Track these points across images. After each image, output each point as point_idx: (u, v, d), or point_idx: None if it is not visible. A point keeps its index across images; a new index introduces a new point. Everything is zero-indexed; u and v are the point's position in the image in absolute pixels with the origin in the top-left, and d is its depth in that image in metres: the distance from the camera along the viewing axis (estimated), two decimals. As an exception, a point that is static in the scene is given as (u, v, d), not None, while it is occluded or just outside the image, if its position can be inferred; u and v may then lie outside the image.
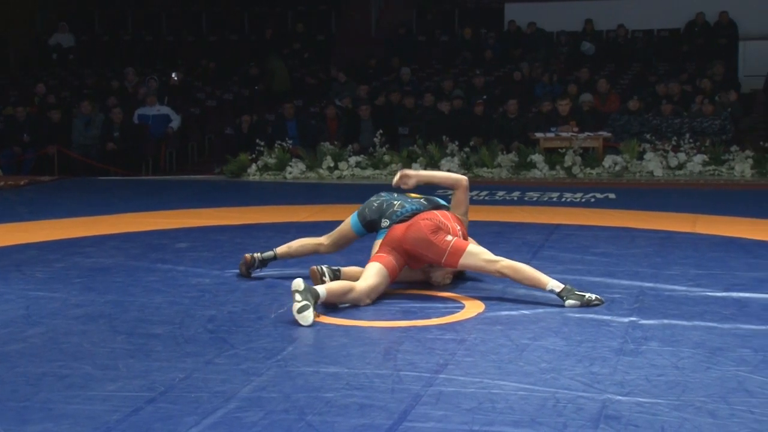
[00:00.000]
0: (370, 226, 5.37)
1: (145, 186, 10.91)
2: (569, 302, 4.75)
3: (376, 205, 5.38)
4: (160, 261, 6.04)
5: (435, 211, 5.17)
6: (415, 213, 5.21)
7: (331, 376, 3.68)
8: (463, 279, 5.38)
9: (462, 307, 4.80)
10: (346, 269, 5.23)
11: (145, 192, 10.15)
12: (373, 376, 3.67)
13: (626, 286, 5.17)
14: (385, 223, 5.27)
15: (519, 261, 5.06)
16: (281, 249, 5.54)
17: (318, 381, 3.62)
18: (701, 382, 3.58)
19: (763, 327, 4.35)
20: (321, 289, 4.61)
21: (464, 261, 4.96)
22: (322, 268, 5.11)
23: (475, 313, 4.68)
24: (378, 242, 5.22)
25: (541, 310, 4.70)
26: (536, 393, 3.47)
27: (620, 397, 3.41)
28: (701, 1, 15.54)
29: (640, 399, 3.40)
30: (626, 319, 4.50)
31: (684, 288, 5.15)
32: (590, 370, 3.73)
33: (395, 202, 5.33)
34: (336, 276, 5.11)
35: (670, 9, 15.86)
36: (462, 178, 5.44)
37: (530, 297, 4.96)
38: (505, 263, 4.92)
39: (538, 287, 4.86)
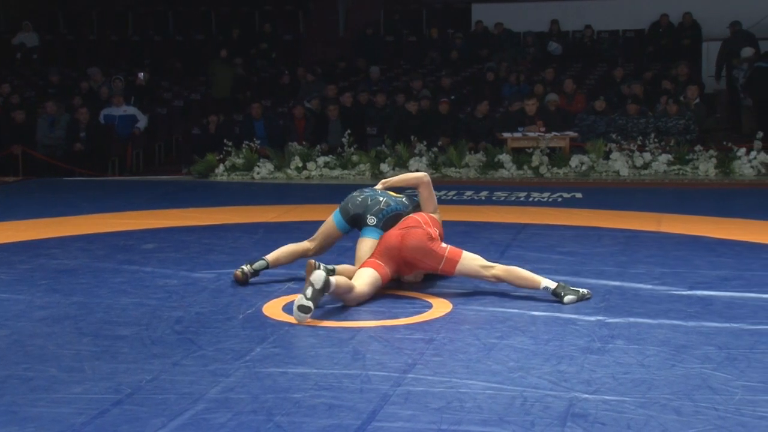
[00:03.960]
0: (353, 221, 5.32)
1: (111, 187, 10.82)
2: (568, 298, 4.83)
3: (360, 199, 5.33)
4: (127, 262, 6.00)
5: (416, 216, 5.21)
6: (399, 212, 5.23)
7: (299, 376, 3.68)
8: (432, 278, 5.39)
9: (430, 307, 4.81)
10: (341, 267, 5.22)
11: (112, 193, 10.07)
12: (342, 377, 3.67)
13: (592, 285, 5.20)
14: (371, 220, 5.22)
15: (489, 261, 5.10)
16: (271, 256, 5.42)
17: (286, 382, 3.62)
18: (666, 380, 3.62)
19: (727, 324, 4.41)
20: (332, 280, 4.61)
21: (461, 268, 5.01)
22: (319, 263, 5.03)
23: (443, 313, 4.69)
24: (366, 241, 5.19)
25: (508, 309, 4.73)
26: (504, 392, 3.49)
27: (587, 395, 3.44)
28: (666, 2, 15.70)
29: (607, 397, 3.43)
30: (593, 318, 4.54)
31: (649, 286, 5.20)
32: (557, 369, 3.76)
33: (381, 199, 5.30)
34: (330, 274, 5.05)
35: (635, 10, 16.01)
36: (422, 175, 5.50)
37: (497, 296, 4.99)
38: (500, 267, 5.01)
39: (533, 288, 4.94)
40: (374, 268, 4.97)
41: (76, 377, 3.69)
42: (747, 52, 13.60)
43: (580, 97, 13.23)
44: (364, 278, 4.91)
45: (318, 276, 4.53)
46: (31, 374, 3.74)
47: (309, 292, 4.47)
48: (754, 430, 3.12)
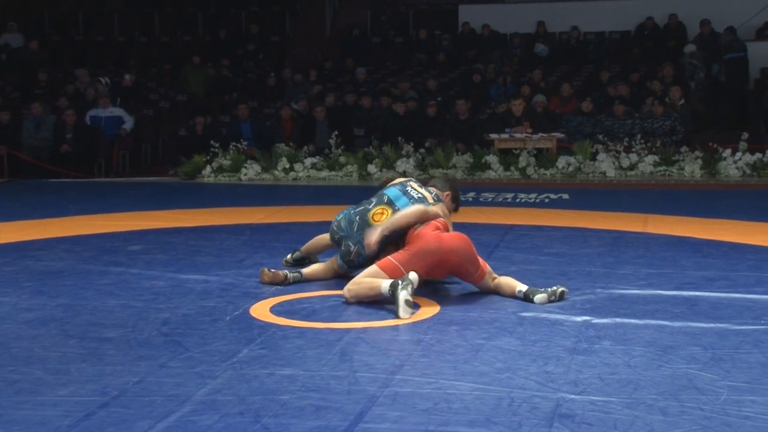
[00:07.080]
0: (338, 245, 5.43)
1: (98, 188, 10.78)
2: (538, 297, 4.84)
3: (337, 237, 5.36)
4: (113, 264, 5.97)
5: (437, 222, 5.13)
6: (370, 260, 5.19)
7: (286, 378, 3.67)
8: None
9: (417, 308, 4.81)
10: (307, 270, 5.41)
11: (98, 194, 10.03)
12: (329, 378, 3.67)
13: (579, 286, 5.22)
14: (343, 266, 5.30)
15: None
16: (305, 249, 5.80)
17: (273, 383, 3.61)
18: (652, 380, 3.63)
19: (713, 325, 4.43)
20: (413, 276, 4.72)
21: (485, 281, 5.05)
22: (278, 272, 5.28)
23: (431, 314, 4.69)
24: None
25: (495, 311, 4.74)
26: (491, 393, 3.49)
27: (574, 396, 3.45)
28: (651, 3, 15.78)
29: (593, 397, 3.43)
30: (579, 319, 4.55)
31: (636, 287, 5.22)
32: (544, 370, 3.77)
33: (352, 248, 5.22)
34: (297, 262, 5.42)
35: (621, 11, 16.09)
36: (430, 212, 5.20)
37: (484, 297, 5.00)
38: (498, 277, 5.09)
39: (511, 294, 4.97)
40: (382, 268, 4.93)
41: (62, 379, 3.67)
42: (690, 47, 13.93)
43: (575, 100, 13.28)
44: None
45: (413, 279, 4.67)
46: (16, 377, 3.72)
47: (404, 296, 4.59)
48: (739, 430, 3.13)
